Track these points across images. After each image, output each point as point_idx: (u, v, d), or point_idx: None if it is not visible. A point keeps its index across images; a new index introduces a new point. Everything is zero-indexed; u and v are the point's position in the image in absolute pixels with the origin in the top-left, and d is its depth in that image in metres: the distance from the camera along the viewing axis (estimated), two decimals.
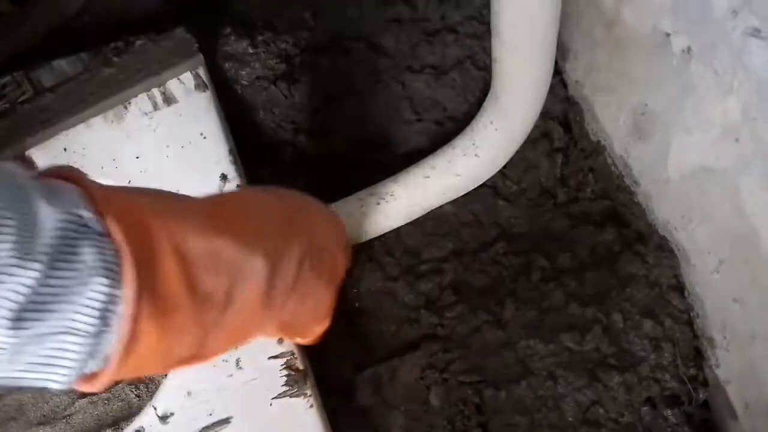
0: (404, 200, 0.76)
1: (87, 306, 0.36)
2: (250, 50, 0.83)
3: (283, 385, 0.65)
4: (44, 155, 0.74)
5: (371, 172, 0.83)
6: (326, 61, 0.85)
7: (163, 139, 0.74)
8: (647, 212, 0.78)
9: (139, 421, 0.64)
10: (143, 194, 0.45)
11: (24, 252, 0.34)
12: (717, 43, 0.57)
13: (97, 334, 0.37)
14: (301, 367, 0.66)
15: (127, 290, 0.38)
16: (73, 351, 0.37)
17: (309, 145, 0.85)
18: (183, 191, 0.72)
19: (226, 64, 0.83)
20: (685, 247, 0.73)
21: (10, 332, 0.34)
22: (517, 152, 0.83)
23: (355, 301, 0.79)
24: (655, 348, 0.73)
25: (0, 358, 0.35)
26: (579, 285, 0.77)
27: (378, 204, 0.76)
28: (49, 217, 0.36)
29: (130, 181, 0.73)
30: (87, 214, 0.37)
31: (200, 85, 0.76)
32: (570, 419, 0.72)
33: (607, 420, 0.72)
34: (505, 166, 0.84)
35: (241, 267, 0.46)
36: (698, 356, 0.75)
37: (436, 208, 0.82)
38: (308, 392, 0.65)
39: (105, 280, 0.37)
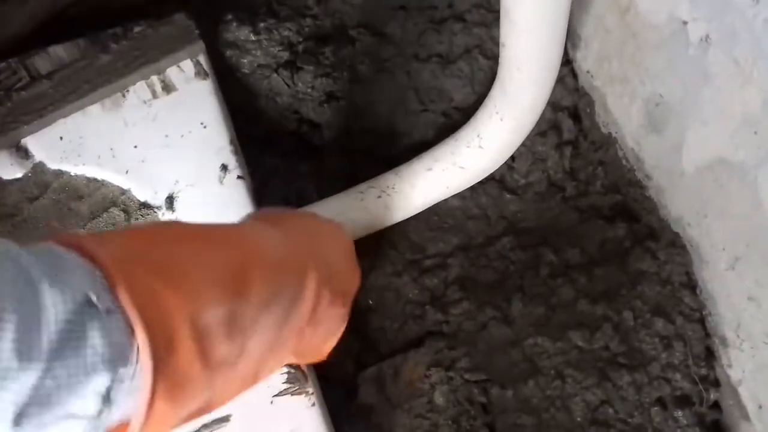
0: (406, 193, 0.74)
1: (91, 392, 0.35)
2: (252, 37, 0.81)
3: (284, 383, 0.63)
4: (40, 144, 0.72)
5: (375, 163, 0.81)
6: (330, 49, 0.82)
7: (162, 128, 0.72)
8: (659, 207, 0.76)
9: None
10: (155, 249, 0.42)
11: (26, 352, 0.32)
12: (737, 31, 0.54)
13: (100, 414, 0.36)
14: (302, 365, 0.64)
15: (146, 377, 0.37)
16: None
17: (312, 134, 0.83)
18: (182, 182, 0.71)
19: (228, 52, 0.81)
20: (699, 243, 0.71)
21: (13, 430, 0.33)
22: (525, 144, 0.81)
23: (358, 297, 0.77)
24: (666, 347, 0.72)
25: None
26: (588, 281, 0.75)
27: (379, 197, 0.73)
28: (54, 305, 0.34)
29: (127, 171, 0.71)
30: (95, 295, 0.36)
31: (200, 73, 0.74)
32: (578, 419, 0.70)
33: (617, 420, 0.70)
34: (512, 159, 0.82)
35: (255, 322, 0.44)
36: (710, 356, 0.73)
37: (441, 202, 0.80)
38: (310, 390, 0.63)
39: (110, 367, 0.35)
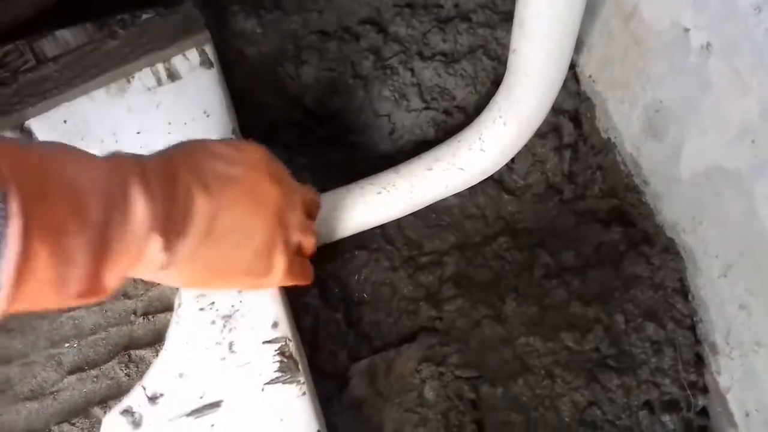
0: (406, 192, 0.74)
1: None
2: (258, 29, 0.81)
3: (275, 371, 0.64)
4: (44, 126, 0.72)
5: (375, 158, 0.81)
6: (334, 44, 0.83)
7: (165, 116, 0.73)
8: (655, 212, 0.77)
9: (127, 401, 0.63)
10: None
11: None
12: (739, 41, 0.55)
13: None
14: (294, 354, 0.65)
15: (14, 204, 0.38)
16: None
17: (314, 128, 0.83)
18: None
19: (233, 42, 0.81)
20: (693, 249, 0.71)
21: None
22: (525, 146, 0.82)
23: (354, 291, 0.77)
24: (656, 351, 0.72)
25: None
26: (582, 283, 0.76)
27: (379, 194, 0.74)
28: None
29: None
30: None
31: (205, 62, 0.74)
32: (566, 419, 0.70)
33: (604, 422, 0.71)
34: (512, 160, 0.82)
35: (115, 194, 0.45)
36: (699, 362, 0.73)
37: (440, 200, 0.80)
38: (301, 380, 0.64)
39: None
